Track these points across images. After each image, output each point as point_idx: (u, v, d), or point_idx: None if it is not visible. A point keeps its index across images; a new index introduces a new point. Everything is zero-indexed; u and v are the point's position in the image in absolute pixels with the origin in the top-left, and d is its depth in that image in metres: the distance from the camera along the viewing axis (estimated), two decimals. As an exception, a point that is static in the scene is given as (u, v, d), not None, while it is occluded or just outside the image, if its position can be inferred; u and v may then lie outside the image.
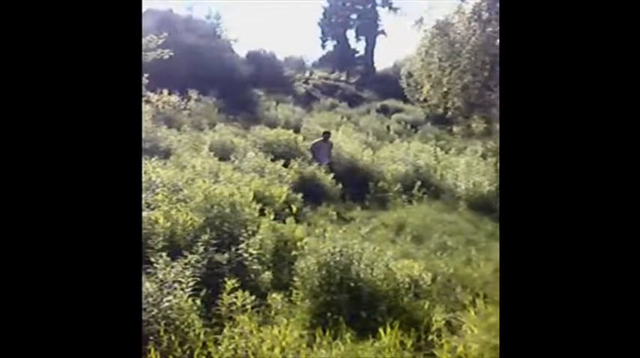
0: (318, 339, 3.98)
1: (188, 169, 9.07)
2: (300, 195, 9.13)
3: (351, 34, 41.91)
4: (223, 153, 11.74)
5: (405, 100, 23.38)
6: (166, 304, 4.11)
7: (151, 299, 4.11)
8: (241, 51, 32.83)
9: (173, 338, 3.86)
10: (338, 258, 4.95)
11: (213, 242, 5.42)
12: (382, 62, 61.19)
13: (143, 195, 6.25)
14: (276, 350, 3.73)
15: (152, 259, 4.66)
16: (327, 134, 12.99)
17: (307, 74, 36.20)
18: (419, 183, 11.39)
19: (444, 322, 4.23)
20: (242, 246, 5.51)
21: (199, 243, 5.23)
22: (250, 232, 5.83)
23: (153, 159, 8.95)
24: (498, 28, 12.40)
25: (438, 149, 15.10)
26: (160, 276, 4.38)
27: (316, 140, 12.99)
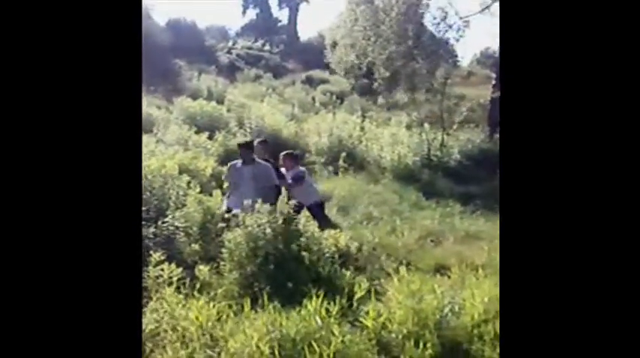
0: (246, 309, 4.00)
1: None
2: (226, 168, 9.01)
3: (273, 2, 41.34)
4: (144, 126, 11.35)
5: (331, 71, 23.20)
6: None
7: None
8: (160, 18, 31.54)
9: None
10: (265, 230, 4.97)
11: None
12: (306, 31, 60.77)
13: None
14: (202, 321, 3.73)
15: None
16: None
17: (230, 44, 35.30)
18: (344, 154, 11.50)
19: (368, 289, 4.33)
20: (168, 219, 5.43)
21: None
22: (179, 205, 5.76)
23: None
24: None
25: (365, 120, 15.21)
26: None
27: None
